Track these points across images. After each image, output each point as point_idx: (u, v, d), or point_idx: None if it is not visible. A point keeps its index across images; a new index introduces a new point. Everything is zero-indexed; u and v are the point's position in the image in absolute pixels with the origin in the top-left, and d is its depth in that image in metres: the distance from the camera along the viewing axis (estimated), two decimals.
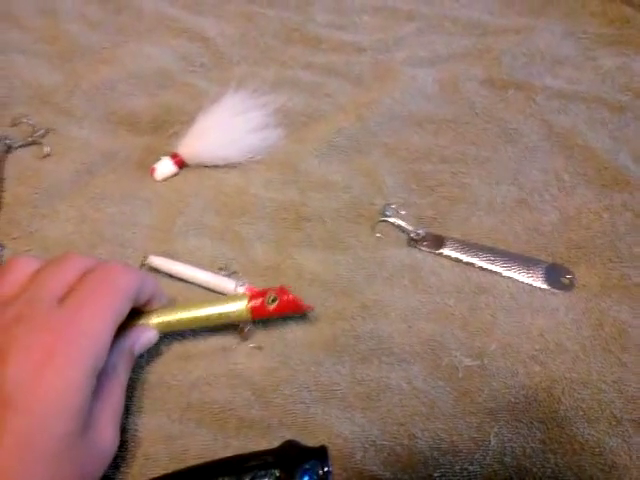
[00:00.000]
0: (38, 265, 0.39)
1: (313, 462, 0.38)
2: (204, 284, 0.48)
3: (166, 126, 0.59)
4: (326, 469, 0.37)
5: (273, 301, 0.44)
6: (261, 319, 0.45)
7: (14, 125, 0.59)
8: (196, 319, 0.44)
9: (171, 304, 0.46)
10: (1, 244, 0.50)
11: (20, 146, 0.58)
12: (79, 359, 0.34)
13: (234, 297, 0.45)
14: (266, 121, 0.57)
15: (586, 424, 0.41)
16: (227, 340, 0.46)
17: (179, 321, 0.44)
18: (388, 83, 0.61)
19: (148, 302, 0.43)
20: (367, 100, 0.60)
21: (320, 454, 0.39)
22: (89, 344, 0.35)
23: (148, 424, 0.42)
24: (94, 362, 0.35)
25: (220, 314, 0.44)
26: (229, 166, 0.55)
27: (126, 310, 0.39)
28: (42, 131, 0.58)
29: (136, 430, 0.42)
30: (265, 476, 0.38)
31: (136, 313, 0.43)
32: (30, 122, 0.59)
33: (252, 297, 0.44)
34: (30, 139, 0.58)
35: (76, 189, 0.54)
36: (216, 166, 0.55)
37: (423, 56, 0.65)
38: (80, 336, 0.35)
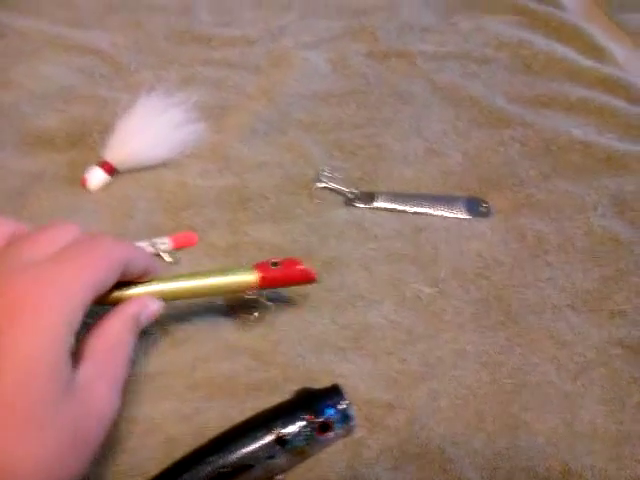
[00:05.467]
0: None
1: (333, 398, 0.42)
2: None
3: (84, 138, 0.59)
4: (346, 403, 0.42)
5: (274, 265, 0.45)
6: (269, 287, 0.46)
7: None
8: (202, 288, 0.44)
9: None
10: None
11: None
12: (48, 316, 0.33)
13: (240, 267, 0.46)
14: (186, 117, 0.59)
15: (535, 316, 0.49)
16: (213, 319, 0.48)
17: (182, 290, 0.44)
18: (285, 68, 0.66)
19: (142, 275, 0.42)
20: (271, 85, 0.64)
21: (334, 391, 0.43)
22: (61, 302, 0.34)
23: (162, 409, 0.44)
24: (64, 320, 0.33)
25: (227, 283, 0.45)
26: (161, 165, 0.57)
27: (110, 279, 0.38)
28: None
29: (152, 418, 0.43)
30: (292, 421, 0.41)
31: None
32: None
33: (257, 266, 0.45)
34: None
35: (13, 214, 0.53)
36: (148, 167, 0.57)
37: (308, 40, 0.70)
38: (54, 293, 0.34)
